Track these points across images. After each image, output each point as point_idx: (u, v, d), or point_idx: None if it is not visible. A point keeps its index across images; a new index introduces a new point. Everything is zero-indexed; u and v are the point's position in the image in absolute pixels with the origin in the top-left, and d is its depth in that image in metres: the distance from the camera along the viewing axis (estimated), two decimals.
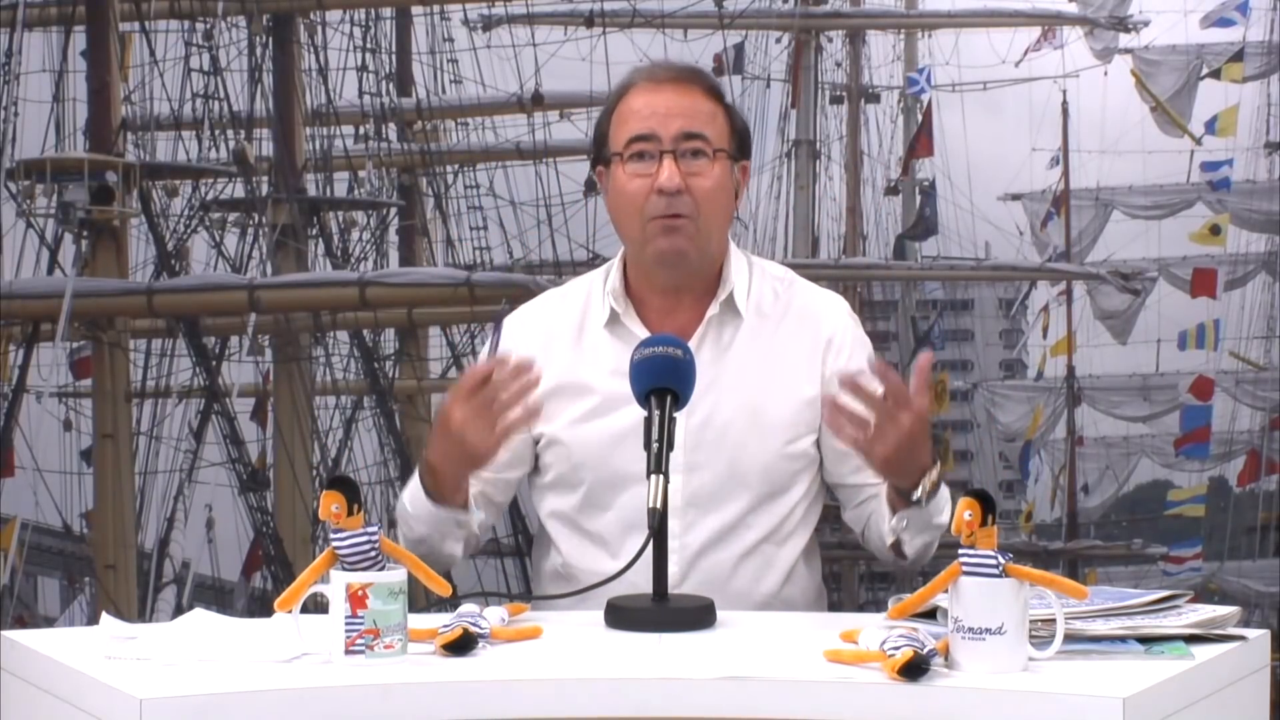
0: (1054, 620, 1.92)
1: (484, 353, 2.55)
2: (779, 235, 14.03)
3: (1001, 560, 1.88)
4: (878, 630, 1.93)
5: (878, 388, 2.25)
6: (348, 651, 1.93)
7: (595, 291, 2.62)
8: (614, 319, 2.59)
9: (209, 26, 11.55)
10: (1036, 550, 13.83)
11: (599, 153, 2.59)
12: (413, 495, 2.48)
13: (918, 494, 2.36)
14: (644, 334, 2.54)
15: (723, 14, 12.63)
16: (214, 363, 11.50)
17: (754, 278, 2.62)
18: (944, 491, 2.44)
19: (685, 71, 2.59)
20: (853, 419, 2.26)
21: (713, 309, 2.58)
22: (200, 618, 2.17)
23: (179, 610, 9.94)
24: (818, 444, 2.56)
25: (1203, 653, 1.97)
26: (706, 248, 2.55)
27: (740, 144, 2.59)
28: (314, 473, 11.60)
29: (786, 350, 2.57)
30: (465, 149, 12.68)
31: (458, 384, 2.34)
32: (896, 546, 2.48)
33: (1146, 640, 1.99)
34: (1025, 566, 1.92)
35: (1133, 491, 14.92)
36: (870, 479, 2.50)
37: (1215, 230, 13.68)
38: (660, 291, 2.59)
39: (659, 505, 2.20)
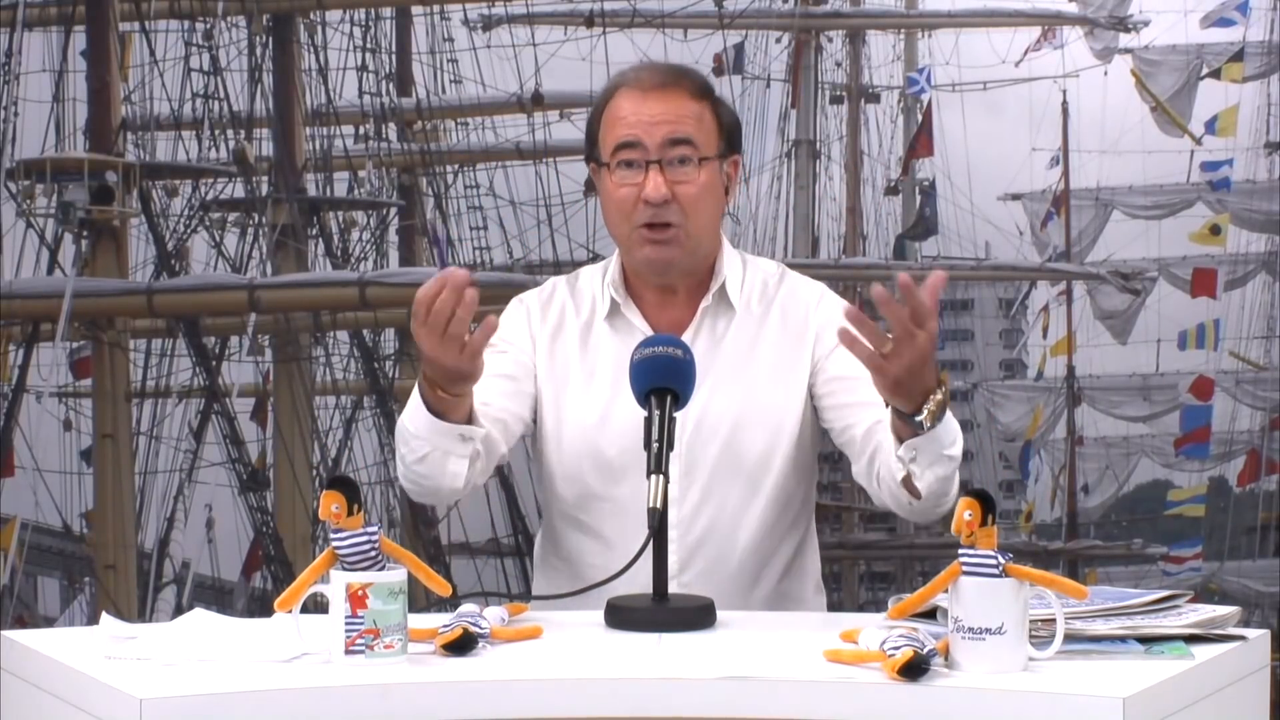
0: (1054, 620, 1.92)
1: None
2: (779, 235, 14.04)
3: (1001, 560, 1.88)
4: (878, 630, 1.93)
5: (898, 305, 2.19)
6: (348, 651, 1.93)
7: (596, 283, 2.65)
8: (614, 310, 2.61)
9: (209, 26, 11.56)
10: (1036, 550, 13.83)
11: (590, 151, 2.62)
12: (413, 412, 2.41)
13: (922, 415, 2.29)
14: (642, 326, 2.57)
15: (723, 14, 12.64)
16: (214, 363, 11.51)
17: (746, 271, 2.65)
18: (953, 421, 2.35)
19: (670, 74, 2.59)
20: (872, 334, 2.21)
21: (706, 301, 2.60)
22: (200, 618, 2.17)
23: (179, 610, 9.94)
24: (814, 408, 2.56)
25: (1203, 653, 1.97)
26: (696, 251, 2.57)
27: (729, 139, 2.60)
28: (314, 473, 11.61)
29: (778, 340, 2.59)
30: (465, 149, 12.69)
31: (413, 310, 2.27)
32: (908, 482, 2.38)
33: (1146, 640, 1.99)
34: (1025, 566, 1.92)
35: (1133, 491, 14.93)
36: (872, 398, 2.39)
37: (1215, 230, 13.68)
38: (655, 287, 2.62)
39: (659, 505, 2.20)
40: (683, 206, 2.52)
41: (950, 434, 2.34)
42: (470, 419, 2.41)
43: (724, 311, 2.60)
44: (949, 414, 2.34)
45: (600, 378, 2.58)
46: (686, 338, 2.43)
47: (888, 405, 2.34)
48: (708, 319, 2.59)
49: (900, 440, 2.34)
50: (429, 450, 2.41)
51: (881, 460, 2.44)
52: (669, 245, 2.53)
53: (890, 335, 2.20)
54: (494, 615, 2.11)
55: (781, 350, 2.59)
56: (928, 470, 2.35)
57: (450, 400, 2.37)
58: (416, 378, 2.41)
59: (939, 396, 2.28)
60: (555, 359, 2.59)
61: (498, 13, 12.38)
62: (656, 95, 2.55)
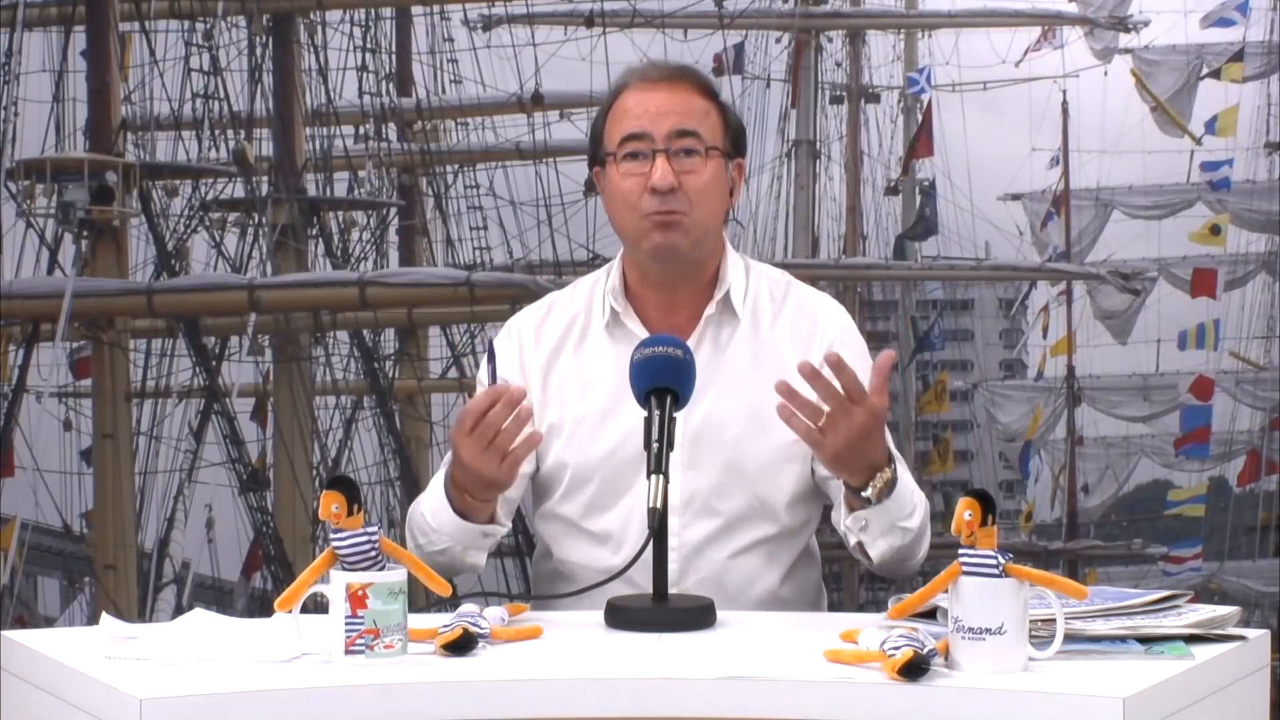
0: (1054, 620, 1.91)
1: (481, 375, 2.54)
2: (779, 235, 14.04)
3: (1001, 560, 1.88)
4: (878, 630, 1.93)
5: (832, 379, 2.22)
6: (348, 651, 1.93)
7: (596, 292, 2.63)
8: (614, 319, 2.59)
9: (209, 26, 11.56)
10: (1036, 550, 13.84)
11: (595, 153, 2.61)
12: (435, 509, 2.45)
13: (868, 492, 2.33)
14: (643, 333, 2.55)
15: (723, 14, 12.64)
16: (214, 363, 11.50)
17: (750, 278, 2.63)
18: (911, 495, 2.39)
19: (678, 70, 2.60)
20: (804, 408, 2.24)
21: (710, 308, 2.58)
22: (200, 618, 2.17)
23: (179, 610, 9.93)
24: None
25: (1203, 653, 1.97)
26: (701, 242, 2.56)
27: (734, 141, 2.60)
28: (314, 473, 11.60)
29: (782, 349, 2.57)
30: (465, 149, 12.69)
31: (459, 420, 2.33)
32: (861, 549, 2.43)
33: (1146, 640, 1.99)
34: (1025, 566, 1.92)
35: (1133, 491, 14.93)
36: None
37: (1215, 230, 13.69)
38: (657, 289, 2.59)
39: (659, 505, 2.20)
40: (689, 196, 2.51)
41: (904, 507, 2.37)
42: (493, 518, 2.46)
43: (728, 320, 2.59)
44: (906, 486, 2.37)
45: (600, 386, 2.56)
46: (689, 345, 2.43)
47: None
48: (711, 327, 2.58)
49: (850, 509, 2.38)
50: (450, 545, 2.46)
51: (836, 520, 2.49)
52: (675, 230, 2.52)
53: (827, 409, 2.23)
54: (494, 615, 2.11)
55: (786, 360, 2.57)
56: (880, 540, 2.39)
57: (478, 504, 2.41)
58: (445, 475, 2.43)
59: (886, 475, 2.32)
60: (552, 376, 2.59)
61: (498, 13, 12.39)
62: (664, 88, 2.56)
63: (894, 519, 2.37)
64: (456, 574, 2.49)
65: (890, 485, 2.33)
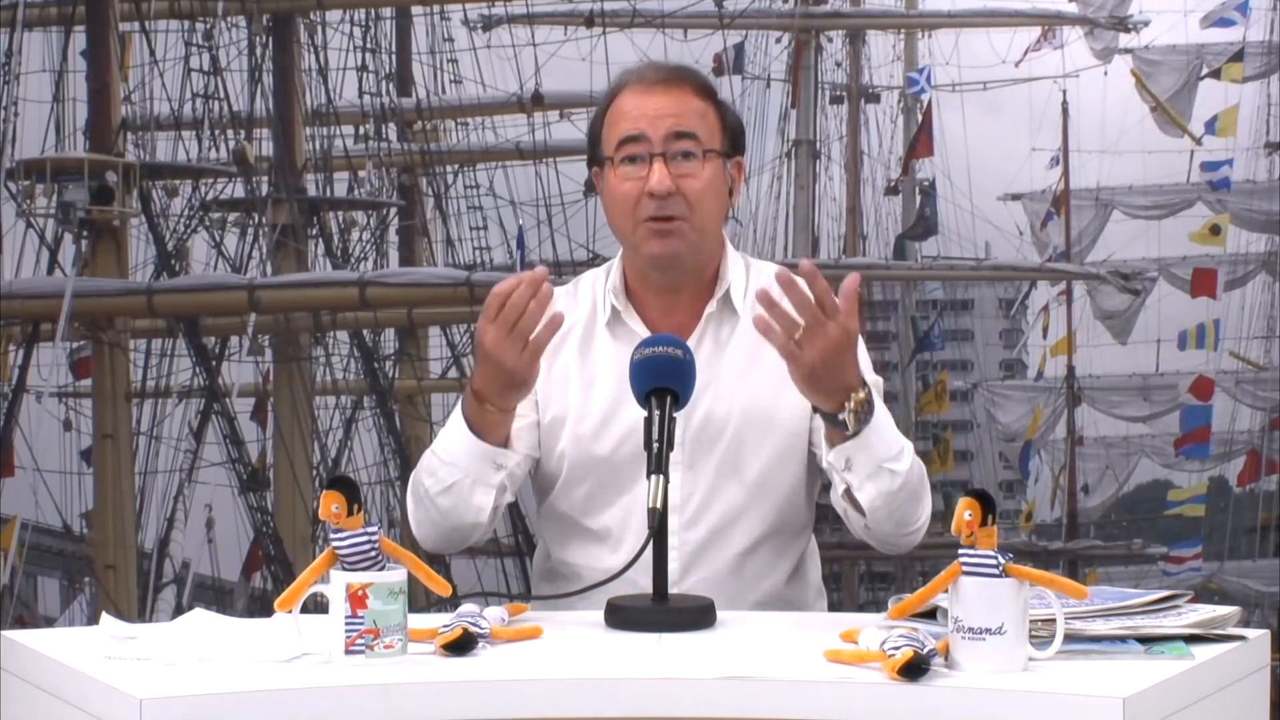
0: (1054, 620, 1.91)
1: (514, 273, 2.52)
2: (779, 235, 14.06)
3: (1001, 560, 1.88)
4: (878, 630, 1.93)
5: (807, 291, 2.20)
6: (348, 651, 1.93)
7: (597, 289, 2.63)
8: (615, 317, 2.59)
9: (209, 26, 11.56)
10: (1036, 550, 13.85)
11: (593, 154, 2.60)
12: (448, 437, 2.42)
13: (843, 414, 2.28)
14: (643, 332, 2.54)
15: (723, 14, 12.65)
16: (214, 363, 11.51)
17: (750, 276, 2.62)
18: (895, 434, 2.33)
19: (675, 71, 2.59)
20: (781, 318, 2.22)
21: (710, 307, 2.58)
22: (200, 618, 2.17)
23: (179, 610, 9.94)
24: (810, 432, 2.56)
25: (1203, 653, 1.97)
26: (700, 247, 2.55)
27: (733, 141, 2.59)
28: (314, 473, 11.62)
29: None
30: (465, 149, 12.70)
31: (485, 305, 2.30)
32: (850, 496, 2.35)
33: (1146, 640, 1.99)
34: (1025, 566, 1.92)
35: (1133, 491, 14.95)
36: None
37: (1215, 230, 13.70)
38: (658, 291, 2.59)
39: (659, 505, 2.19)
40: (687, 200, 2.50)
41: (889, 445, 2.31)
42: (506, 442, 2.43)
43: (728, 317, 2.58)
44: (886, 425, 2.32)
45: (601, 385, 2.56)
46: (690, 343, 2.42)
47: (813, 408, 2.34)
48: (711, 325, 2.58)
49: (832, 445, 2.33)
50: (459, 478, 2.41)
51: (826, 467, 2.42)
52: (673, 238, 2.51)
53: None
54: (494, 615, 2.11)
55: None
56: (867, 482, 2.32)
57: (495, 416, 2.38)
58: (462, 396, 2.41)
59: (860, 395, 2.26)
60: (554, 373, 2.58)
61: (498, 13, 12.40)
62: (661, 90, 2.54)
63: (879, 458, 2.31)
64: (460, 529, 2.45)
65: (866, 407, 2.27)
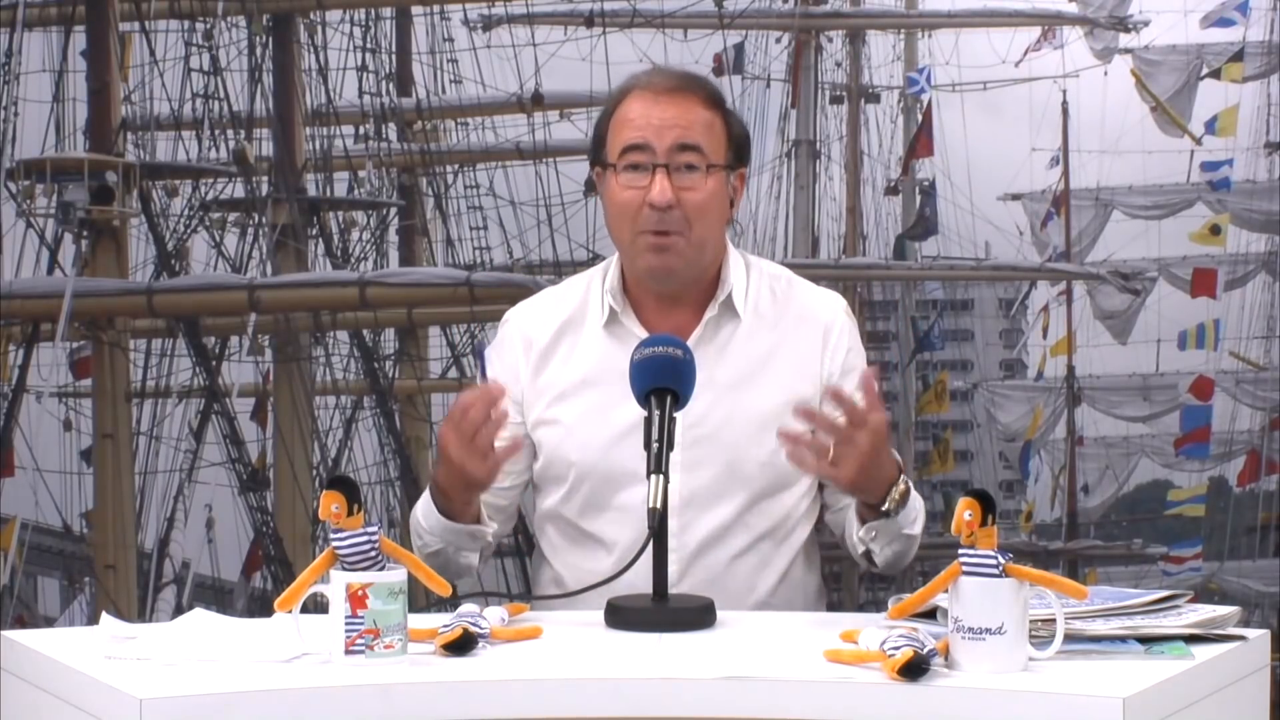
0: (1054, 620, 1.92)
1: (476, 379, 2.58)
2: (779, 235, 14.04)
3: (1001, 560, 1.88)
4: (878, 630, 1.93)
5: (834, 414, 2.29)
6: (348, 651, 1.93)
7: (594, 290, 2.62)
8: (612, 318, 2.59)
9: (209, 26, 11.55)
10: (1036, 550, 13.83)
11: (596, 154, 2.59)
12: (425, 511, 2.50)
13: (886, 506, 2.40)
14: (642, 333, 2.54)
15: (723, 14, 12.63)
16: (214, 363, 11.50)
17: (751, 278, 2.62)
18: (916, 502, 2.46)
19: (684, 80, 2.57)
20: (812, 447, 2.30)
21: (711, 310, 2.58)
22: (200, 618, 2.17)
23: (179, 610, 9.93)
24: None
25: (1203, 653, 1.97)
26: (698, 260, 2.55)
27: (737, 152, 2.58)
28: (314, 473, 11.60)
29: (784, 349, 2.57)
30: (465, 149, 12.68)
31: (448, 414, 2.38)
32: (867, 555, 2.51)
33: (1146, 640, 1.99)
34: (1025, 566, 1.92)
35: (1133, 491, 14.93)
36: None
37: (1215, 230, 13.68)
38: (656, 293, 2.59)
39: (659, 505, 2.20)
40: (687, 214, 2.50)
41: (910, 516, 2.45)
42: (479, 519, 2.51)
43: (728, 320, 2.58)
44: (915, 498, 2.45)
45: (599, 386, 2.56)
46: (689, 344, 2.43)
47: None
48: (711, 327, 2.57)
49: (863, 522, 2.46)
50: (441, 547, 2.51)
51: (848, 531, 2.55)
52: (669, 254, 2.51)
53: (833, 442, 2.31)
54: (494, 615, 2.11)
55: (788, 360, 2.56)
56: (886, 548, 2.48)
57: (459, 505, 2.46)
58: (431, 476, 2.52)
59: (901, 487, 2.39)
60: (548, 376, 2.58)
61: (498, 13, 12.38)
62: (668, 99, 2.53)
63: (902, 527, 2.44)
64: (456, 576, 2.52)
65: (905, 497, 2.40)
